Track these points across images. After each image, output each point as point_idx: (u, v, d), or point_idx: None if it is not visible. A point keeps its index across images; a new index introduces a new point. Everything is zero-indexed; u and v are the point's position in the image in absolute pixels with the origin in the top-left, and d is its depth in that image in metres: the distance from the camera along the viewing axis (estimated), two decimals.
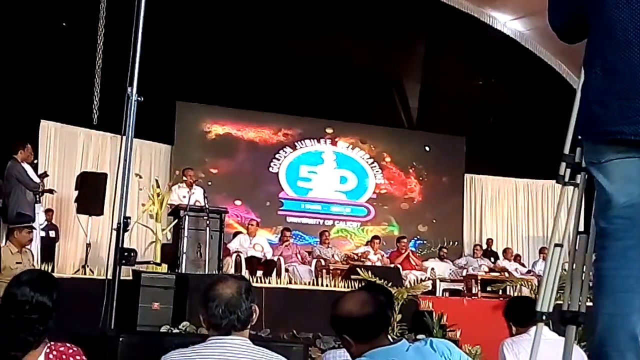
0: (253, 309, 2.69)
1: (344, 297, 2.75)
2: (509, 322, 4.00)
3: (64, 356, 2.50)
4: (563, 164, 2.63)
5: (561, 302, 2.51)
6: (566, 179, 2.62)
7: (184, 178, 10.75)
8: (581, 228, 2.56)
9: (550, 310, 2.58)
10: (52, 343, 2.53)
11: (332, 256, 12.18)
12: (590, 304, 2.31)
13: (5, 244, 8.18)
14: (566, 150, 2.63)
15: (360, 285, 8.33)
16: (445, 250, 14.22)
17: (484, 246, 14.81)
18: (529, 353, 2.63)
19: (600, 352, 2.15)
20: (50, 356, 2.48)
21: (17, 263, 7.62)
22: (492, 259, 14.07)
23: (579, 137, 2.48)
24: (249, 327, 2.70)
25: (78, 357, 2.53)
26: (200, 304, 2.69)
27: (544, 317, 2.59)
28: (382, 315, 2.68)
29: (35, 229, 8.62)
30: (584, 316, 2.42)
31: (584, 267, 2.49)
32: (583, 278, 2.47)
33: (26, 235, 7.97)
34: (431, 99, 15.59)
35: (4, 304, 2.55)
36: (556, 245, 2.65)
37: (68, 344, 2.56)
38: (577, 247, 2.52)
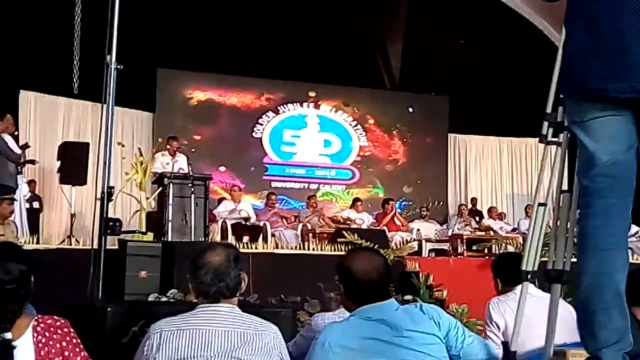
0: (242, 277, 2.70)
1: (360, 253, 2.91)
2: (496, 278, 4.00)
3: (51, 328, 2.50)
4: (545, 123, 2.63)
5: (547, 258, 2.53)
6: (549, 138, 2.63)
7: (167, 146, 10.73)
8: (565, 187, 2.58)
9: (535, 269, 2.61)
10: (40, 316, 2.53)
11: (318, 220, 12.21)
12: (575, 259, 2.33)
13: None
14: (548, 109, 2.63)
15: (347, 248, 8.36)
16: (425, 209, 14.25)
17: (469, 205, 14.88)
18: (515, 312, 2.66)
19: (586, 309, 2.17)
20: (38, 329, 2.48)
21: None
22: (477, 218, 14.15)
23: (561, 95, 2.47)
24: (237, 294, 2.71)
25: (65, 330, 2.52)
26: (189, 272, 2.70)
27: (529, 276, 2.62)
28: (384, 286, 2.73)
29: (16, 200, 8.56)
30: (568, 274, 2.44)
31: (568, 225, 2.50)
32: (567, 235, 2.48)
33: (7, 207, 7.92)
34: (414, 59, 15.50)
35: None
36: (540, 204, 2.67)
37: (55, 317, 2.56)
38: (560, 206, 2.54)
